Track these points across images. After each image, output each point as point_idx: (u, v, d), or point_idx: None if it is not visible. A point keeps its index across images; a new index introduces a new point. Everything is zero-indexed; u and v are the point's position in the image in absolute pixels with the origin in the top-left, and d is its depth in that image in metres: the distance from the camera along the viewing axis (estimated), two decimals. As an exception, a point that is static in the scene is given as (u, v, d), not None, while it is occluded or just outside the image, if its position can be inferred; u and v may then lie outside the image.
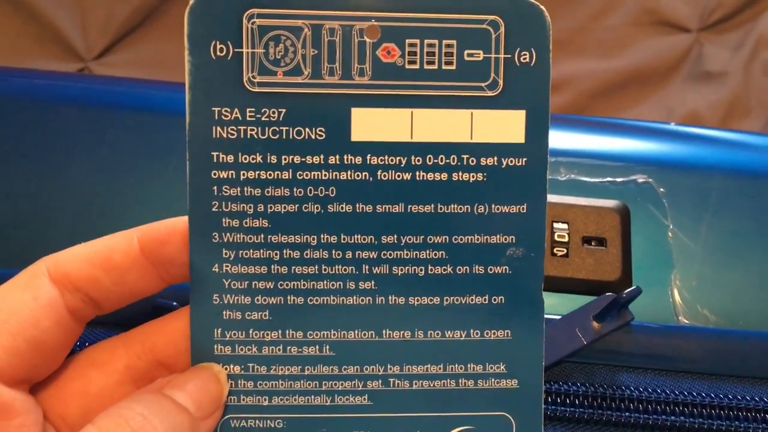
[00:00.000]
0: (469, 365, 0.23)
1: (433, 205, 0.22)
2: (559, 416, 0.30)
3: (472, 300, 0.23)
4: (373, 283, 0.23)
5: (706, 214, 0.34)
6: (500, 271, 0.23)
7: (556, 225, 0.34)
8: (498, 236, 0.22)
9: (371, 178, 0.22)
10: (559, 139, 0.37)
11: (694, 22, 0.90)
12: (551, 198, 0.34)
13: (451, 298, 0.23)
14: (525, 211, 0.23)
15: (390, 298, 0.23)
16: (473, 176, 0.22)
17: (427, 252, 0.22)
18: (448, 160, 0.22)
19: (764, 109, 0.88)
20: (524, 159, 0.22)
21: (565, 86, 0.88)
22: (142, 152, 0.35)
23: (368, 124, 0.22)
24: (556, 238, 0.33)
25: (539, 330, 0.23)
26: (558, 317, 0.31)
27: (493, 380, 0.23)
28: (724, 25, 0.90)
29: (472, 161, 0.22)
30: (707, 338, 0.32)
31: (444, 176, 0.22)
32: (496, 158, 0.22)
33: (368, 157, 0.22)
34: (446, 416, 0.23)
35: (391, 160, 0.22)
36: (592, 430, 0.30)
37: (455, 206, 0.22)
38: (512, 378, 0.23)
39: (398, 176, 0.22)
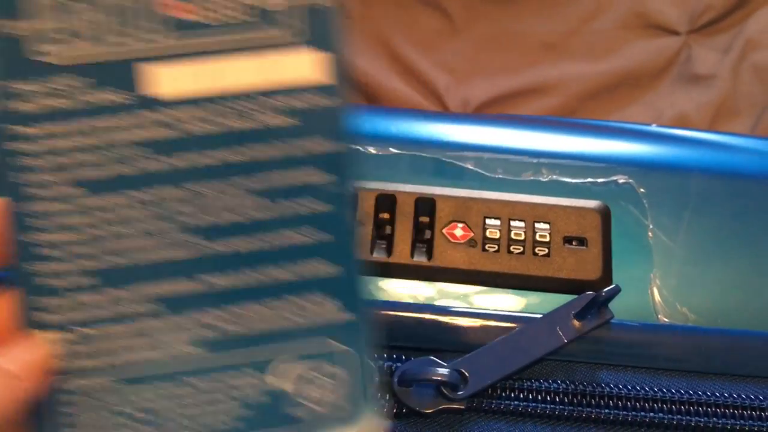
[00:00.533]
0: (295, 300, 0.23)
1: (248, 152, 0.23)
2: (540, 413, 0.30)
3: (295, 238, 0.23)
4: (195, 234, 0.23)
5: (685, 214, 0.35)
6: (322, 208, 0.23)
7: (537, 225, 0.34)
8: (317, 176, 0.23)
9: (179, 134, 0.23)
10: (541, 140, 0.37)
11: (683, 25, 0.90)
12: (533, 199, 0.35)
13: (275, 237, 0.23)
14: (340, 149, 0.23)
15: (214, 245, 0.23)
16: (283, 120, 0.23)
17: (247, 198, 0.23)
18: (255, 107, 0.23)
19: (752, 110, 0.88)
20: (331, 99, 0.23)
21: (555, 89, 0.88)
22: None
23: (171, 81, 0.23)
24: (537, 238, 0.34)
25: (363, 260, 0.24)
26: (539, 316, 0.32)
27: (320, 312, 0.23)
28: (712, 27, 0.91)
29: (280, 105, 0.23)
30: (686, 336, 0.32)
31: (253, 123, 0.23)
32: (303, 100, 0.23)
33: (175, 113, 0.23)
34: (278, 351, 0.23)
35: (198, 113, 0.23)
36: (573, 426, 0.30)
37: (270, 150, 0.23)
38: (340, 308, 0.24)
39: (207, 128, 0.23)
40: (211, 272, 0.23)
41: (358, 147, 0.33)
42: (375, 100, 0.83)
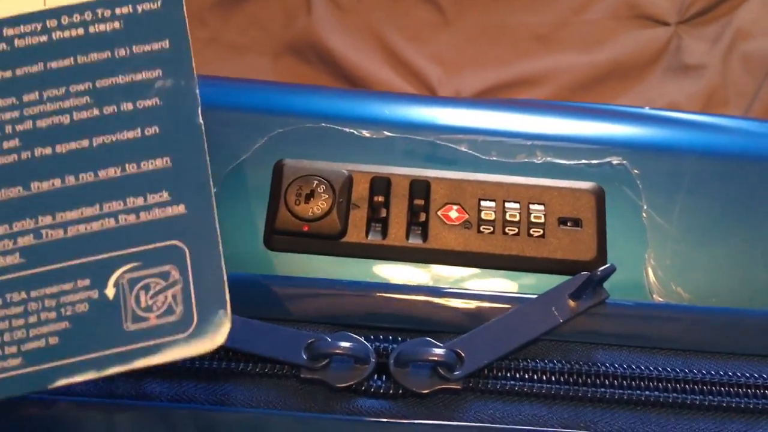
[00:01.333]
0: (128, 200, 0.23)
1: (72, 58, 0.24)
2: (536, 393, 0.30)
3: (123, 136, 0.23)
4: (17, 140, 0.23)
5: (679, 194, 0.35)
6: (151, 104, 0.24)
7: (532, 206, 0.34)
8: (144, 73, 0.24)
9: (8, 47, 0.24)
10: (535, 123, 0.37)
11: (673, 16, 0.91)
12: (528, 180, 0.35)
13: (101, 137, 0.23)
14: (168, 46, 0.24)
15: (36, 150, 0.23)
16: (110, 25, 0.24)
17: (71, 101, 0.24)
18: (83, 17, 0.24)
19: (742, 100, 0.89)
20: (159, 2, 0.24)
21: (546, 80, 0.89)
22: None
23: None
24: (532, 219, 0.34)
25: (201, 152, 0.24)
26: (534, 296, 0.32)
27: (157, 210, 0.23)
28: (702, 18, 0.91)
29: (107, 13, 0.24)
30: (681, 315, 0.32)
31: (80, 31, 0.24)
32: (129, 6, 0.24)
33: (3, 30, 0.24)
34: (110, 257, 0.23)
35: (26, 28, 0.24)
36: (570, 406, 0.30)
37: (95, 55, 0.24)
38: (178, 204, 0.24)
39: (34, 40, 0.24)
40: (31, 178, 0.23)
41: (351, 130, 0.33)
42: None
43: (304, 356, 0.30)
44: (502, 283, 0.33)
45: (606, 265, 0.31)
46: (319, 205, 0.33)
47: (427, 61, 0.86)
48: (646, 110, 0.39)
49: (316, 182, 0.34)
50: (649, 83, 0.91)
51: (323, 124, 0.36)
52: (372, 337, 0.31)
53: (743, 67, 0.90)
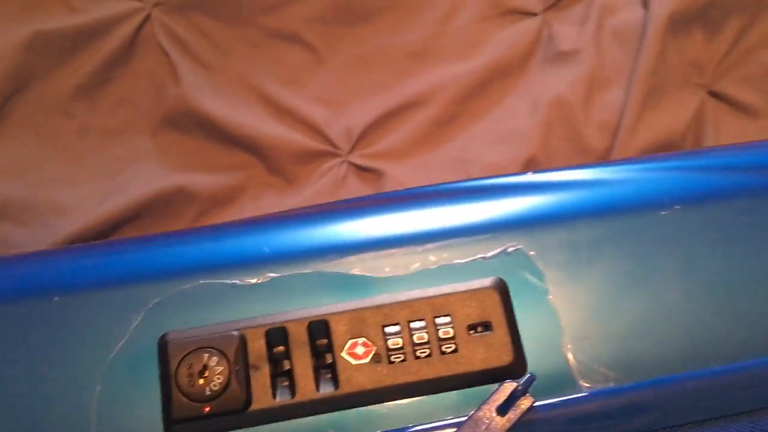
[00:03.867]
0: None
1: None
2: None
3: None
4: None
5: (580, 267, 0.34)
6: None
7: (438, 320, 0.33)
8: None
9: None
10: (421, 220, 0.36)
11: (538, 5, 0.91)
12: (428, 292, 0.33)
13: None
14: None
15: None
16: None
17: None
18: None
19: (622, 75, 0.90)
20: None
21: (431, 97, 0.88)
22: None
23: None
24: (441, 335, 0.32)
25: None
26: (463, 419, 0.30)
27: None
28: (566, 1, 0.92)
29: None
30: (611, 398, 0.31)
31: None
32: None
33: None
34: None
35: None
36: None
37: None
38: None
39: None
40: None
41: (233, 280, 0.31)
42: (257, 149, 0.80)
43: None
44: (425, 411, 0.32)
45: (526, 376, 0.30)
46: (216, 379, 0.31)
47: (310, 103, 0.84)
48: (529, 176, 0.38)
49: (206, 355, 0.31)
50: (530, 78, 0.91)
51: (201, 282, 0.33)
52: None
53: (615, 42, 0.91)
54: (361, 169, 0.82)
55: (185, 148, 0.82)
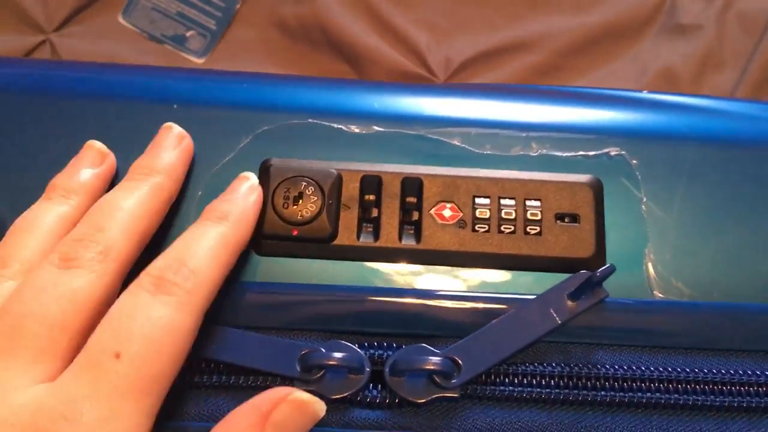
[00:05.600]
0: None
1: None
2: (535, 398, 0.30)
3: None
4: None
5: (680, 185, 0.34)
6: None
7: (528, 203, 0.33)
8: None
9: None
10: (530, 112, 0.36)
11: (669, -28, 0.88)
12: (523, 175, 0.34)
13: None
14: None
15: None
16: None
17: None
18: None
19: (738, 60, 0.87)
20: None
21: (537, 45, 0.87)
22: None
23: None
24: (528, 216, 0.33)
25: None
26: (532, 297, 0.31)
27: None
28: (697, -26, 0.89)
29: None
30: (682, 312, 0.32)
31: None
32: None
33: None
34: None
35: None
36: (570, 410, 0.30)
37: None
38: None
39: None
40: None
41: (340, 126, 0.32)
42: (355, 60, 0.81)
43: (297, 368, 0.29)
44: (499, 283, 0.32)
45: (605, 266, 0.30)
46: (308, 207, 0.32)
47: (416, 26, 0.84)
48: (645, 94, 0.38)
49: (304, 184, 0.33)
50: (643, 45, 0.89)
51: (310, 120, 0.34)
52: (366, 344, 0.30)
53: (739, 26, 0.88)
54: (454, 99, 0.81)
55: (289, 50, 0.84)
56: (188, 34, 0.82)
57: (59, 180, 0.31)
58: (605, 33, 0.87)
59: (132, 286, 0.26)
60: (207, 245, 0.28)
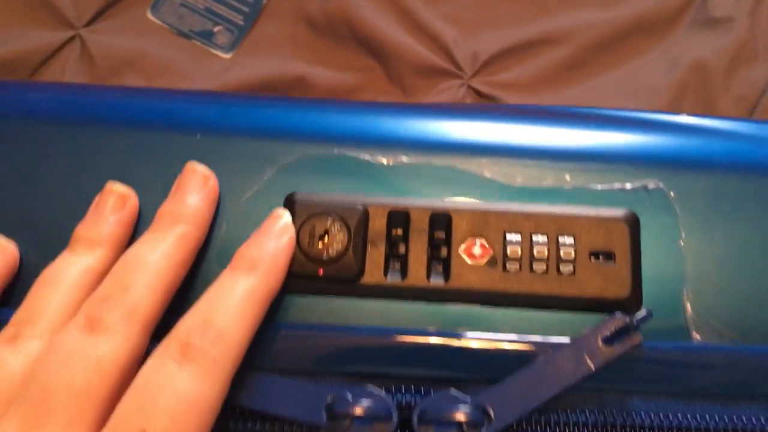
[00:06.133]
0: None
1: None
2: (569, 448, 0.29)
3: None
4: None
5: (720, 219, 0.33)
6: None
7: (561, 239, 0.32)
8: None
9: None
10: (563, 138, 0.35)
11: (700, -37, 0.86)
12: (556, 209, 0.32)
13: None
14: None
15: None
16: None
17: None
18: None
19: (772, 55, 0.85)
20: None
21: (565, 39, 0.85)
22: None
23: None
24: (562, 254, 0.32)
25: None
26: (564, 339, 0.30)
27: None
28: (730, -35, 0.86)
29: None
30: (722, 356, 0.30)
31: None
32: None
33: None
34: None
35: None
36: (604, 460, 0.29)
37: None
38: None
39: None
40: None
41: (366, 157, 0.31)
42: (382, 55, 0.80)
43: (324, 417, 0.28)
44: (530, 324, 0.31)
45: (643, 311, 0.29)
46: (335, 246, 0.31)
47: (443, 21, 0.83)
48: (684, 118, 0.36)
49: (330, 220, 0.32)
50: (673, 39, 0.87)
51: (336, 151, 0.33)
52: (394, 389, 0.30)
53: (773, 19, 0.85)
54: (480, 95, 0.80)
55: (315, 45, 0.83)
56: (215, 29, 0.81)
57: (82, 230, 0.30)
58: (635, 27, 0.85)
59: (158, 352, 0.26)
60: (235, 302, 0.27)
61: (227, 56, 0.81)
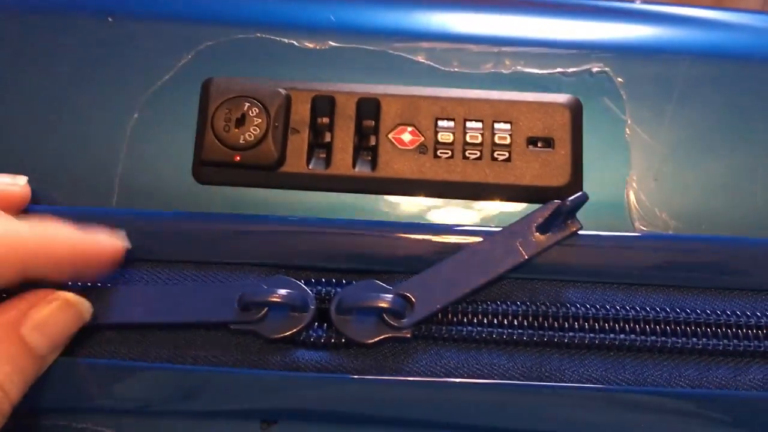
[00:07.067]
0: None
1: None
2: (496, 339, 0.27)
3: None
4: None
5: (669, 105, 0.30)
6: None
7: (497, 125, 0.30)
8: None
9: None
10: (504, 24, 0.32)
11: None
12: (492, 95, 0.30)
13: None
14: None
15: None
16: None
17: None
18: None
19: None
20: None
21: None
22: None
23: None
24: (496, 140, 0.30)
25: None
26: (497, 229, 0.28)
27: None
28: None
29: None
30: (663, 245, 0.28)
31: None
32: None
33: None
34: None
35: None
36: (534, 353, 0.27)
37: None
38: None
39: None
40: None
41: (292, 41, 0.29)
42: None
43: (233, 312, 0.26)
44: (462, 215, 0.29)
45: (578, 193, 0.27)
46: (251, 131, 0.29)
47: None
48: (635, 5, 0.34)
49: (247, 104, 0.29)
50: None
51: (258, 35, 0.31)
52: (313, 280, 0.28)
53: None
54: None
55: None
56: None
57: None
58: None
59: None
60: None
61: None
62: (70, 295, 0.25)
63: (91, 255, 0.25)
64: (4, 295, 0.25)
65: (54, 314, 0.24)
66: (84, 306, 0.26)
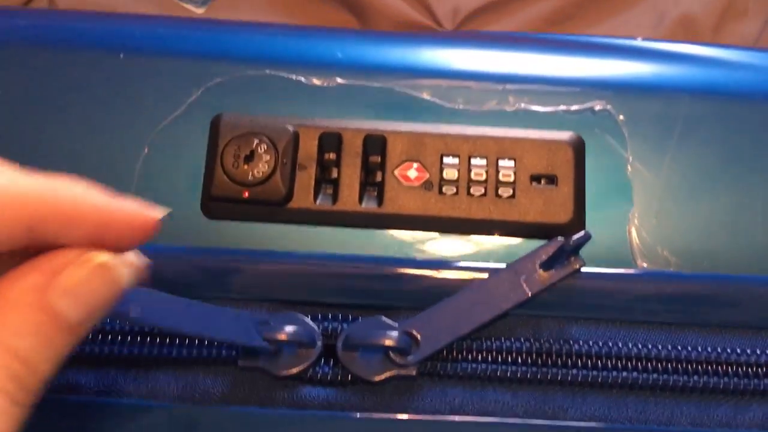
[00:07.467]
0: None
1: None
2: (500, 376, 0.27)
3: None
4: None
5: (670, 143, 0.31)
6: None
7: (501, 162, 0.30)
8: None
9: None
10: (508, 62, 0.33)
11: None
12: (496, 132, 0.31)
13: None
14: None
15: None
16: None
17: None
18: None
19: (762, 7, 0.82)
20: None
21: (549, -8, 0.82)
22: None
23: None
24: (501, 177, 0.30)
25: None
26: (502, 266, 0.28)
27: None
28: None
29: None
30: (666, 283, 0.29)
31: None
32: None
33: None
34: None
35: None
36: (537, 390, 0.27)
37: None
38: None
39: None
40: None
41: (300, 78, 0.29)
42: (360, 11, 0.77)
43: (261, 339, 0.27)
44: (466, 250, 0.30)
45: (582, 232, 0.27)
46: (260, 167, 0.30)
47: (421, -26, 0.80)
48: (636, 42, 0.34)
49: (256, 141, 0.30)
50: (661, -8, 0.84)
51: (267, 71, 0.32)
52: (320, 316, 0.28)
53: (764, -28, 0.83)
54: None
55: (292, 1, 0.80)
56: (186, -17, 0.79)
57: None
58: (620, -20, 0.83)
59: None
60: None
61: (200, 11, 0.79)
62: (106, 256, 0.20)
63: (117, 220, 0.21)
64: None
65: (89, 278, 0.20)
66: (123, 271, 0.20)
